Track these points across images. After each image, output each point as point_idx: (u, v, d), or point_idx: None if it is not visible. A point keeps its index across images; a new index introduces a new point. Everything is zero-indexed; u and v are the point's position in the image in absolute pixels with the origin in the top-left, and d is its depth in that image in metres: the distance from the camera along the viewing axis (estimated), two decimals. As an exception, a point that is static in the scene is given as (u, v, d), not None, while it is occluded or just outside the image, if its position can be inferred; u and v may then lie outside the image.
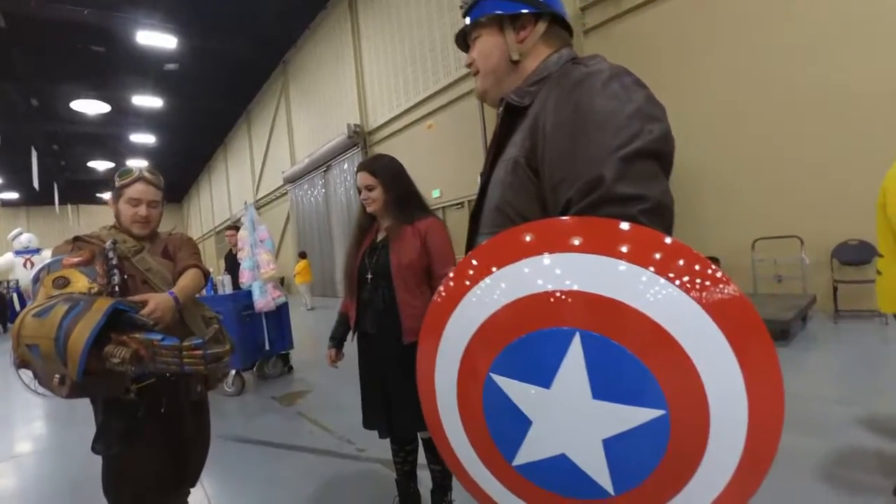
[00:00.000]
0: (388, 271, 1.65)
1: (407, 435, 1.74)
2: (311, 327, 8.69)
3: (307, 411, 3.75)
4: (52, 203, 23.39)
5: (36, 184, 17.58)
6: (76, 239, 1.58)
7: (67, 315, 1.15)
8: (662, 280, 0.58)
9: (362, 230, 1.80)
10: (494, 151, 0.88)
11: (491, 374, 0.67)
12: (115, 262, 1.48)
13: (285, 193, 17.22)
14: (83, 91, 15.80)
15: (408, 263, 1.64)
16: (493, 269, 0.67)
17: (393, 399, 1.70)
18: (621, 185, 0.65)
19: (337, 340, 1.89)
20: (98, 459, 1.53)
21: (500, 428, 0.69)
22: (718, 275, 0.56)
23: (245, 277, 4.54)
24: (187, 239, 1.80)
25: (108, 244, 1.51)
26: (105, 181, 26.24)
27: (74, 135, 19.19)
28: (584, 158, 0.70)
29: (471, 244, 0.95)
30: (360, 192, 1.75)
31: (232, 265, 4.98)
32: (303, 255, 11.64)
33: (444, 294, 0.74)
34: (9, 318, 16.28)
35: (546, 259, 0.64)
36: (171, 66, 14.76)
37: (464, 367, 0.71)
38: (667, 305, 0.57)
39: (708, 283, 0.56)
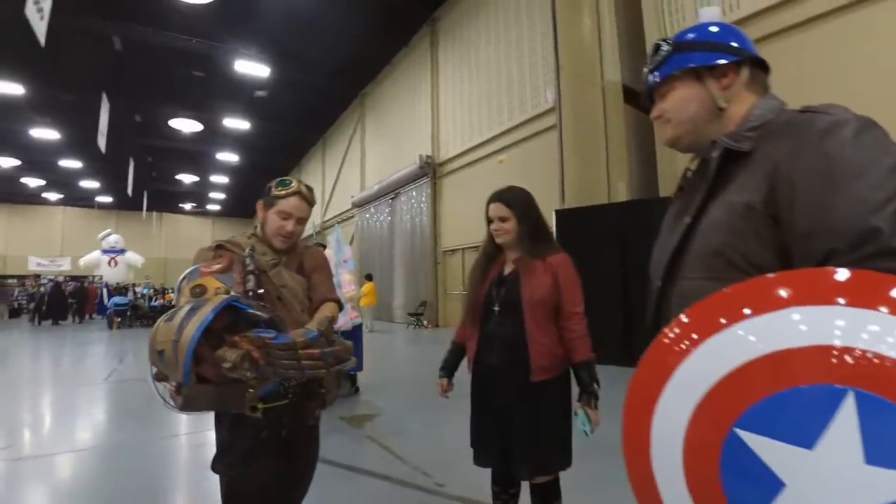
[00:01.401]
0: (519, 305, 1.64)
1: (528, 478, 1.67)
2: (373, 349, 8.79)
3: (377, 435, 3.74)
4: (140, 209, 25.59)
5: (129, 191, 19.34)
6: (218, 246, 1.54)
7: (187, 315, 1.09)
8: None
9: (489, 260, 1.79)
10: (706, 193, 0.87)
11: (736, 428, 0.64)
12: (251, 268, 1.44)
13: (352, 217, 17.86)
14: (181, 111, 17.42)
15: (540, 299, 1.62)
16: (744, 317, 0.65)
17: (516, 438, 1.64)
18: None
19: (449, 370, 1.87)
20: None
21: (740, 488, 0.64)
22: None
23: (327, 295, 4.68)
24: (323, 258, 1.74)
25: (245, 252, 1.48)
26: (188, 193, 28.38)
27: (168, 149, 21.04)
28: (846, 210, 0.68)
29: (666, 287, 0.93)
30: (489, 223, 1.75)
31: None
32: (369, 278, 11.92)
33: (674, 337, 0.72)
34: (95, 309, 17.79)
35: (814, 311, 0.62)
36: (260, 93, 16.00)
37: (698, 419, 0.67)
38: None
39: None
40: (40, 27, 7.69)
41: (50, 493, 2.94)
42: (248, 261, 1.45)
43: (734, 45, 0.93)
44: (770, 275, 0.68)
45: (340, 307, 1.63)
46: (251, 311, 1.18)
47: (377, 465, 3.10)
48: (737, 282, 0.71)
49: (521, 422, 1.63)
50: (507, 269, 1.75)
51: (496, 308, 1.69)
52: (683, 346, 0.70)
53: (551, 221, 6.77)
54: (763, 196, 0.77)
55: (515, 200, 1.73)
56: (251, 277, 1.39)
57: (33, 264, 26.71)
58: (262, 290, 1.44)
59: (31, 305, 17.66)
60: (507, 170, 9.84)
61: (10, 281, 21.57)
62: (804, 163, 0.74)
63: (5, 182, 24.30)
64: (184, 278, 1.35)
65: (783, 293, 0.64)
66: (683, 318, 0.72)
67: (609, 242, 6.33)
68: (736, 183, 0.83)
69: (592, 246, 6.14)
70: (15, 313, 18.37)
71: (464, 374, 1.87)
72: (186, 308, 1.10)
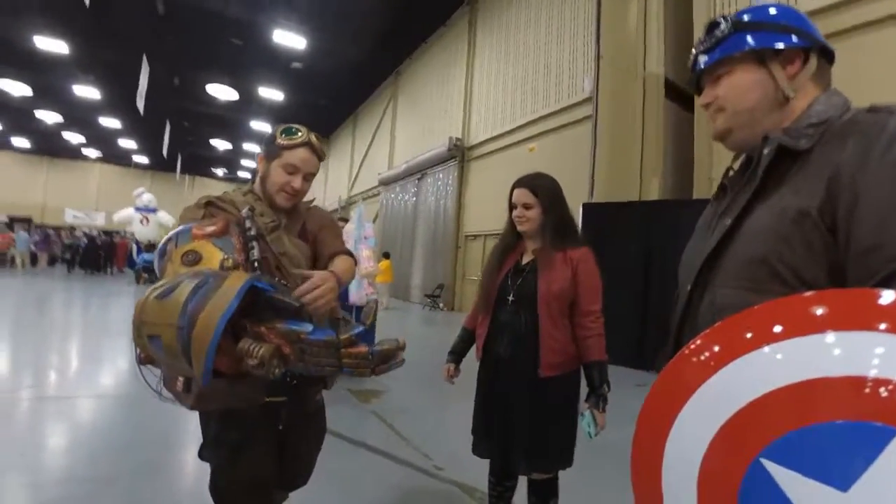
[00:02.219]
0: (534, 297, 1.57)
1: (526, 473, 1.63)
2: (385, 328, 8.85)
3: (382, 413, 3.76)
4: (175, 171, 26.19)
5: (165, 152, 19.77)
6: (209, 203, 1.31)
7: (194, 295, 0.89)
8: None
9: (507, 248, 1.72)
10: (752, 194, 0.78)
11: (762, 458, 0.58)
12: (253, 232, 1.21)
13: (377, 194, 17.89)
14: (218, 77, 17.59)
15: (557, 292, 1.55)
16: (776, 337, 0.58)
17: (518, 432, 1.59)
18: None
19: (457, 356, 1.83)
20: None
21: (759, 523, 0.59)
22: None
23: (344, 270, 4.69)
24: (328, 216, 1.55)
25: (244, 212, 1.25)
26: (220, 159, 28.85)
27: (203, 115, 21.35)
28: None
29: (696, 293, 0.85)
30: (512, 209, 1.68)
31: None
32: (386, 256, 11.97)
33: (699, 353, 0.65)
34: (125, 264, 18.50)
35: (852, 336, 0.55)
36: (296, 65, 16.02)
37: (719, 444, 0.61)
38: None
39: None
40: (87, -15, 7.83)
41: (70, 432, 3.08)
42: (248, 223, 1.22)
43: (802, 28, 0.82)
44: (808, 293, 0.61)
45: (355, 261, 1.48)
46: (278, 296, 0.99)
47: (378, 442, 3.12)
48: (780, 296, 0.64)
49: (522, 416, 1.58)
50: (526, 260, 1.69)
51: (510, 298, 1.63)
52: (708, 364, 0.64)
53: (578, 215, 6.63)
54: (820, 203, 0.69)
55: (542, 188, 1.65)
56: (254, 244, 1.18)
57: (69, 216, 27.68)
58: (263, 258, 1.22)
59: (67, 255, 18.49)
60: (537, 158, 9.64)
61: (48, 231, 22.69)
62: (871, 169, 0.65)
63: (48, 136, 25.12)
64: (170, 240, 1.12)
65: (819, 314, 0.58)
66: (710, 334, 0.65)
67: (634, 241, 6.16)
68: (789, 185, 0.74)
69: (617, 243, 5.99)
70: (51, 261, 19.39)
71: (472, 360, 1.83)
72: (189, 285, 0.90)
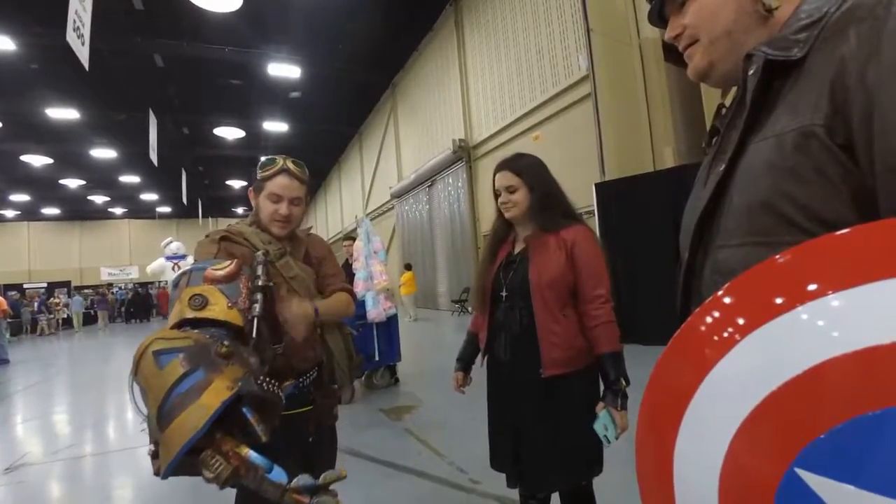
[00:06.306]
0: (527, 289, 1.42)
1: (550, 490, 1.47)
2: (415, 339, 8.77)
3: (415, 429, 3.64)
4: (197, 216, 26.94)
5: (185, 199, 20.32)
6: (223, 238, 1.38)
7: (181, 383, 0.91)
8: None
9: (498, 240, 1.59)
10: (743, 128, 0.63)
11: (797, 469, 0.42)
12: (261, 282, 1.20)
13: (392, 208, 17.92)
14: (224, 120, 18.01)
15: (549, 281, 1.40)
16: (811, 295, 0.43)
17: (525, 443, 1.44)
18: None
19: (464, 363, 1.68)
20: None
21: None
22: None
23: (359, 287, 4.62)
24: (327, 246, 1.65)
25: (259, 255, 1.26)
26: (238, 197, 29.53)
27: (216, 157, 21.90)
28: None
29: (695, 260, 0.70)
30: (497, 196, 1.55)
31: (347, 275, 5.12)
32: (408, 268, 11.92)
33: (711, 323, 0.51)
34: (168, 310, 19.56)
35: None
36: (295, 94, 16.23)
37: (741, 446, 0.46)
38: None
39: None
40: (83, 52, 8.01)
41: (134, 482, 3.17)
42: (259, 269, 1.21)
43: None
44: (844, 231, 0.45)
45: (354, 297, 1.60)
46: (250, 417, 0.98)
47: (414, 461, 3.00)
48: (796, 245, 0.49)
49: (530, 424, 1.42)
50: (517, 249, 1.54)
51: (503, 294, 1.49)
52: (724, 336, 0.49)
53: (592, 198, 6.39)
54: (825, 115, 0.53)
55: (525, 167, 1.51)
56: (258, 298, 1.15)
57: (105, 274, 28.90)
58: (272, 283, 1.25)
59: (122, 309, 21.85)
60: (543, 147, 9.43)
61: (85, 290, 24.02)
62: (886, 57, 0.49)
63: (75, 200, 26.26)
64: (185, 274, 1.14)
65: (868, 257, 0.42)
66: (723, 298, 0.50)
67: (658, 214, 5.87)
68: (783, 105, 0.58)
69: (639, 219, 5.71)
70: (92, 319, 20.51)
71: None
72: (180, 369, 0.92)
